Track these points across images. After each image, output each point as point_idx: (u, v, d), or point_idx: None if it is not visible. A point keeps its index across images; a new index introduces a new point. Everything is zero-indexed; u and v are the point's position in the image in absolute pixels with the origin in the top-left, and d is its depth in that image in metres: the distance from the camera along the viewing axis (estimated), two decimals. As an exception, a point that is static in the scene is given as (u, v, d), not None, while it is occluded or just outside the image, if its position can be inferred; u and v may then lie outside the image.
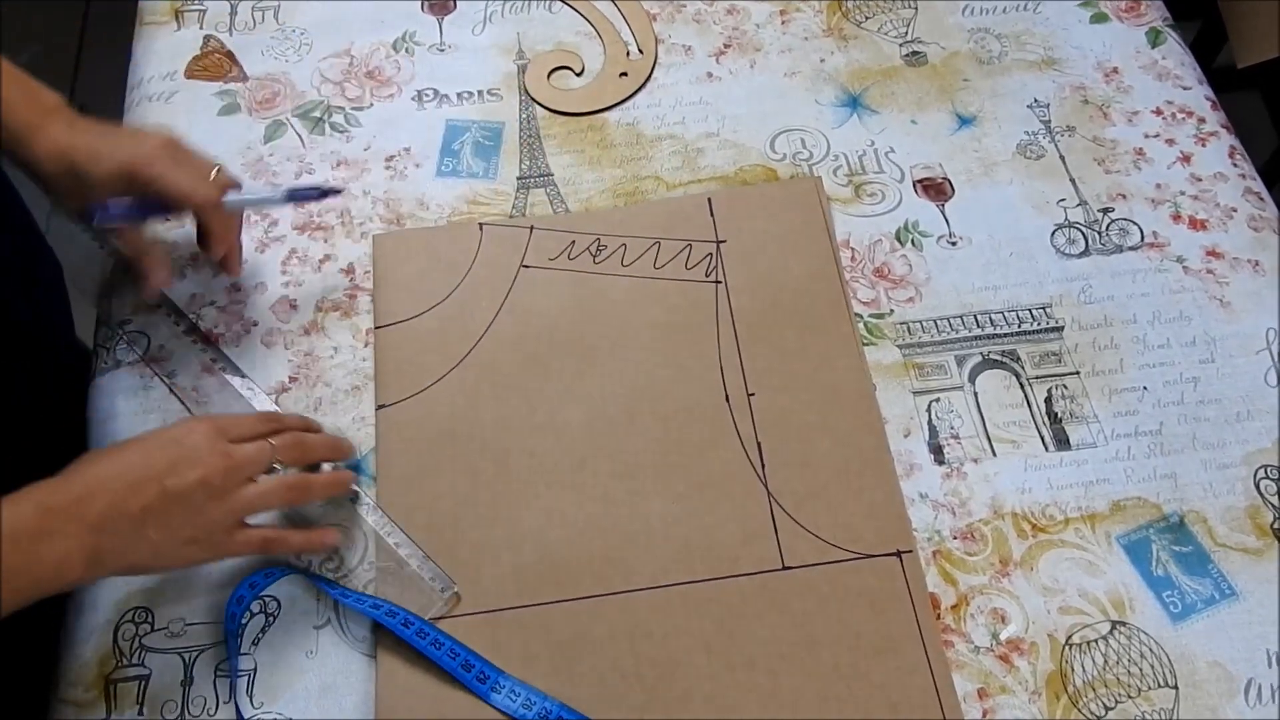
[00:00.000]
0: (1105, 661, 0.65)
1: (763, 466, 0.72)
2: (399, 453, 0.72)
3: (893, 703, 0.64)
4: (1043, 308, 0.78)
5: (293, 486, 0.64)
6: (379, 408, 0.74)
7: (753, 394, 0.74)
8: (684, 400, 0.74)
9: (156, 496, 0.58)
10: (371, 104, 0.89)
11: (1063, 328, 0.77)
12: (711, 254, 0.80)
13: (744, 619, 0.67)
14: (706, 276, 0.79)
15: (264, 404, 0.73)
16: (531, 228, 0.81)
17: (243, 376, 0.74)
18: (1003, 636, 0.66)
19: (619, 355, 0.76)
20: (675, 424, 0.73)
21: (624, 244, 0.80)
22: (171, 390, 0.75)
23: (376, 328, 0.77)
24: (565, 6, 0.96)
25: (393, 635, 0.65)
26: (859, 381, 0.75)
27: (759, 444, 0.73)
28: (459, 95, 0.90)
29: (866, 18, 0.94)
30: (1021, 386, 0.75)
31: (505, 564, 0.69)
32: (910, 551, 0.68)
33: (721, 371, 0.75)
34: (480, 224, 0.81)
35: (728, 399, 0.74)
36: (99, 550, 0.57)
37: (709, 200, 0.82)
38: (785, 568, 0.68)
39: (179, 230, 0.82)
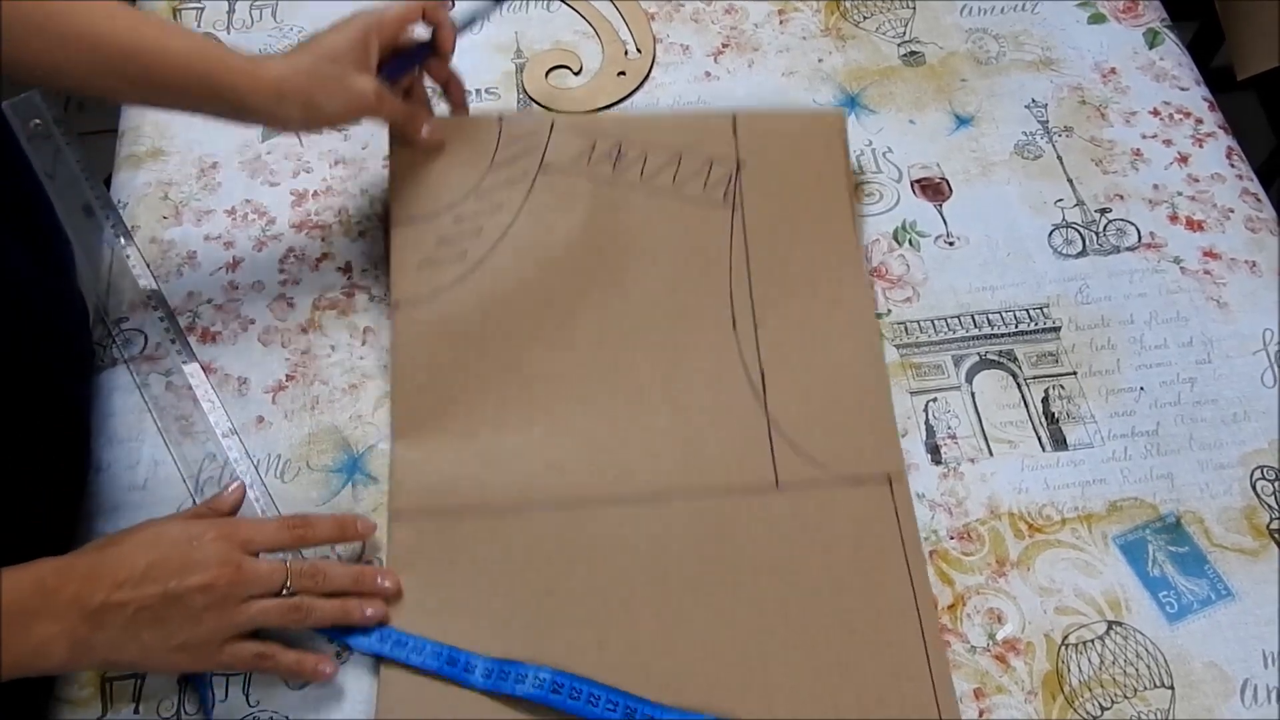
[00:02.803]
0: (1101, 662, 0.65)
1: (764, 392, 0.73)
2: (413, 354, 0.73)
3: (875, 616, 0.66)
4: (1040, 308, 0.78)
5: (296, 608, 0.62)
6: (394, 306, 0.74)
7: (759, 322, 0.75)
8: (692, 325, 0.75)
9: (157, 597, 0.57)
10: (369, 102, 0.89)
11: (1060, 328, 0.77)
12: (731, 175, 0.79)
13: (736, 534, 0.68)
14: (724, 200, 0.78)
15: (223, 421, 0.73)
16: (552, 124, 0.79)
17: (214, 398, 0.74)
18: (999, 636, 0.66)
19: (632, 274, 0.76)
20: (682, 346, 0.75)
21: (645, 154, 0.78)
22: (151, 411, 0.74)
23: (393, 226, 0.76)
24: (563, 5, 0.96)
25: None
26: (864, 316, 0.76)
27: (762, 371, 0.74)
28: (457, 94, 0.90)
29: (865, 18, 0.94)
30: (1019, 387, 0.75)
31: (512, 470, 0.70)
32: (900, 478, 0.70)
33: (731, 298, 0.76)
34: (499, 116, 0.80)
35: (734, 325, 0.75)
36: (88, 641, 0.56)
37: (734, 118, 0.81)
38: (779, 487, 0.70)
39: (177, 229, 0.82)
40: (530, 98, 0.90)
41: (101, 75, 0.66)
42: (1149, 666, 0.65)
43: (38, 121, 0.82)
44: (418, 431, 0.72)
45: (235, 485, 0.68)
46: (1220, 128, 0.87)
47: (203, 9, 0.95)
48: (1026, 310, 0.78)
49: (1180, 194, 0.83)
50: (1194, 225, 0.82)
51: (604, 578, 0.67)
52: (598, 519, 0.69)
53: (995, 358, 0.76)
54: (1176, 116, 0.88)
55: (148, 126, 0.88)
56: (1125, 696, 0.64)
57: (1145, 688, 0.64)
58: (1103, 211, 0.83)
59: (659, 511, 0.69)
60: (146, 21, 0.67)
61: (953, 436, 0.73)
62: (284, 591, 0.62)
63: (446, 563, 0.68)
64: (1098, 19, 0.94)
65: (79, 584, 0.56)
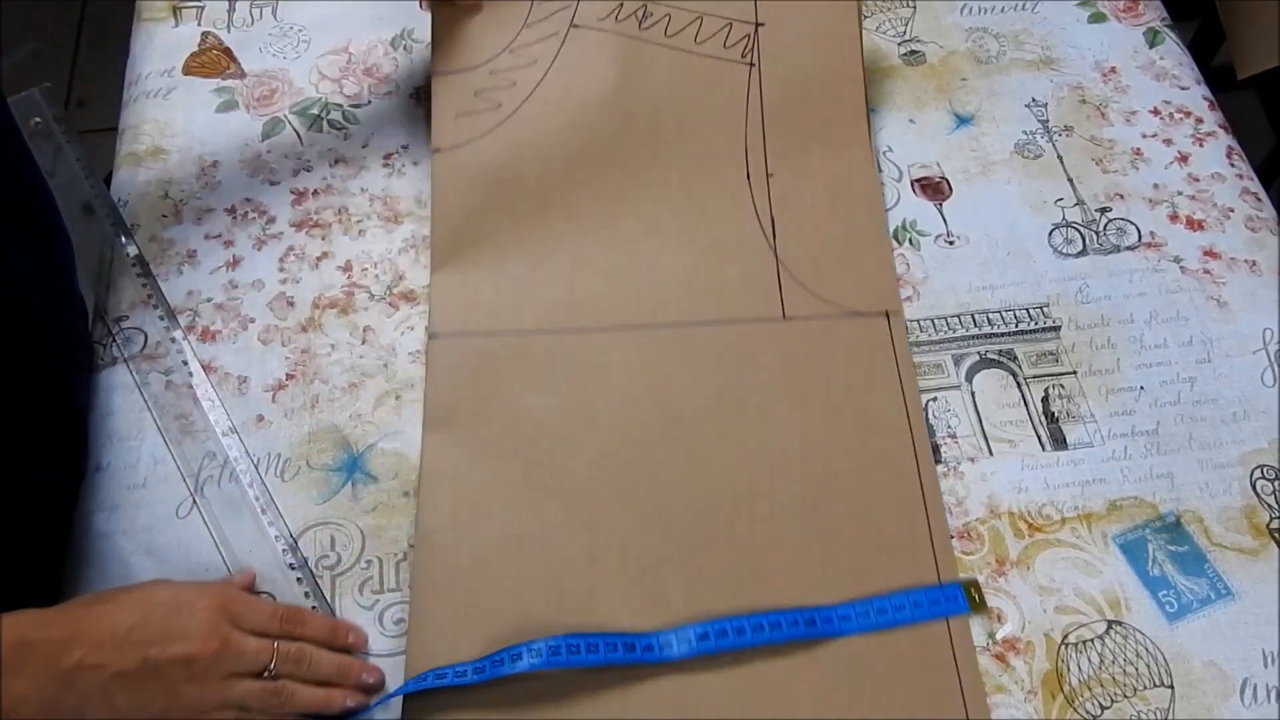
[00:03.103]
0: (1101, 661, 0.65)
1: (774, 235, 0.79)
2: (451, 196, 0.80)
3: (870, 433, 0.72)
4: (1040, 307, 0.78)
5: (276, 692, 0.60)
6: (434, 152, 0.80)
7: (771, 172, 0.82)
8: (709, 173, 0.82)
9: (136, 664, 0.56)
10: (370, 101, 0.89)
11: (1060, 327, 0.77)
12: (750, 35, 0.84)
13: (745, 357, 0.75)
14: (742, 58, 0.84)
15: (222, 420, 0.73)
16: None
17: (214, 399, 0.74)
18: (999, 636, 0.66)
19: (655, 123, 0.82)
20: (699, 191, 0.81)
21: (669, 14, 0.84)
22: (151, 409, 0.74)
23: (433, 78, 0.81)
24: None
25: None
26: (866, 169, 0.83)
27: (772, 216, 0.80)
28: (457, 93, 0.90)
29: (865, 17, 0.94)
30: (1019, 386, 0.75)
31: (540, 296, 0.77)
32: (897, 313, 0.76)
33: (745, 149, 0.82)
34: None
35: (748, 175, 0.81)
36: (59, 701, 0.54)
37: None
38: (785, 318, 0.76)
39: (177, 228, 0.82)
40: (530, 96, 0.90)
41: None
42: (1149, 666, 0.65)
43: (38, 119, 0.82)
44: (454, 264, 0.78)
45: (246, 575, 0.67)
46: (1220, 127, 0.87)
47: (203, 7, 0.95)
48: (1026, 309, 0.78)
49: (1180, 193, 0.83)
50: (1194, 224, 0.82)
51: (622, 397, 0.73)
52: (619, 343, 0.75)
53: (995, 357, 0.76)
54: (1177, 116, 0.88)
55: (148, 125, 0.88)
56: (1125, 696, 0.64)
57: (1145, 687, 0.64)
58: (1103, 211, 0.83)
59: (673, 336, 0.76)
60: None
61: (952, 436, 0.73)
62: (267, 673, 0.60)
63: (477, 377, 0.74)
64: (1098, 18, 0.94)
65: (57, 641, 0.55)
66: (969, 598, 0.66)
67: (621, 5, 0.83)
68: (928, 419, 0.74)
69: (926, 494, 0.70)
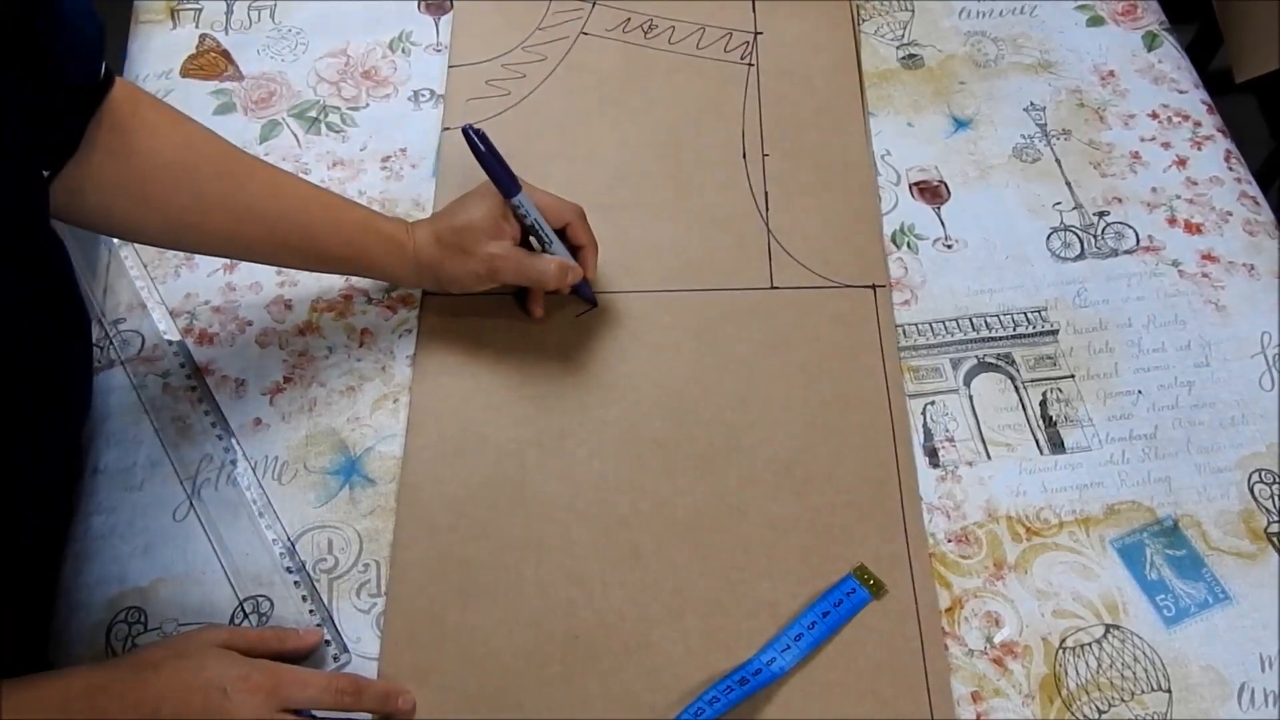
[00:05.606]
0: (1099, 665, 0.65)
1: (766, 210, 0.83)
2: (457, 167, 0.84)
3: (849, 402, 0.74)
4: (1038, 311, 0.78)
5: None
6: (445, 129, 0.87)
7: (767, 153, 0.86)
8: (707, 152, 0.86)
9: None
10: (368, 104, 0.89)
11: (1058, 331, 0.77)
12: (749, 42, 0.92)
13: (732, 323, 0.77)
14: (741, 60, 0.91)
15: (220, 423, 0.73)
16: (595, 3, 0.94)
17: (215, 411, 0.74)
18: (996, 640, 0.66)
19: (657, 111, 0.88)
20: (696, 168, 0.85)
21: (673, 26, 0.93)
22: (148, 412, 0.74)
23: (450, 67, 0.90)
24: (562, 7, 0.96)
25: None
26: (861, 154, 0.86)
27: (766, 191, 0.84)
28: (455, 95, 0.90)
29: (863, 20, 0.94)
30: (1016, 390, 0.75)
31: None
32: (884, 286, 0.79)
33: (743, 135, 0.87)
34: None
35: (744, 156, 0.85)
36: None
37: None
38: (774, 287, 0.79)
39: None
40: (529, 99, 0.90)
41: (275, 250, 0.71)
42: (1146, 670, 0.65)
43: None
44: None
45: (313, 630, 0.65)
46: (1219, 130, 0.87)
47: (200, 10, 0.95)
48: (1024, 313, 0.78)
49: (1178, 197, 0.83)
50: (1192, 228, 0.82)
51: (607, 356, 0.76)
52: (607, 305, 0.78)
53: (993, 361, 0.76)
54: (1175, 119, 0.88)
55: (145, 127, 0.88)
56: (1123, 699, 0.64)
57: (1142, 691, 0.64)
58: (1101, 214, 0.83)
59: (662, 300, 0.79)
60: (314, 197, 0.72)
61: (950, 439, 0.73)
62: None
63: (466, 332, 0.77)
64: (1096, 21, 0.94)
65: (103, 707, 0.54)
66: (864, 584, 0.67)
67: (629, 19, 0.92)
68: (926, 422, 0.74)
69: (901, 470, 0.71)
